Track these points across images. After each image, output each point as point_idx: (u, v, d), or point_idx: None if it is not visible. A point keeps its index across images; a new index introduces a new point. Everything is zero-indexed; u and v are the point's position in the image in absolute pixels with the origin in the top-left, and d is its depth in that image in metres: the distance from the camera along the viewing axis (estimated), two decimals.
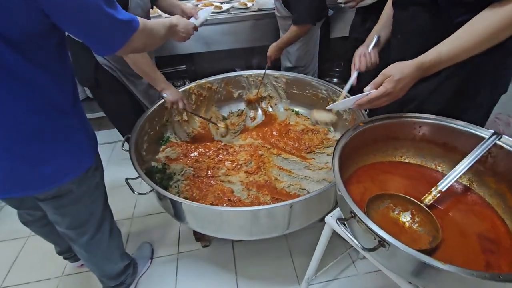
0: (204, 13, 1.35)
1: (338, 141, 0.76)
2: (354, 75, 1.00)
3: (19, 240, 1.62)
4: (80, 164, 0.82)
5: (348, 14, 2.16)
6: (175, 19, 0.98)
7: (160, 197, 1.05)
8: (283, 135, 1.61)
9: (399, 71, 0.70)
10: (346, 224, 0.69)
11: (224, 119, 1.77)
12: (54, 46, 0.66)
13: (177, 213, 1.08)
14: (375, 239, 0.57)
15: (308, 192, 1.29)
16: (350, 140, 0.78)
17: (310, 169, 1.42)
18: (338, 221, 0.62)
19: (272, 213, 0.96)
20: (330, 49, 2.30)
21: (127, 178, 1.10)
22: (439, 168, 0.84)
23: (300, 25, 1.59)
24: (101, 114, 2.39)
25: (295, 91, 1.72)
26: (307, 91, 1.68)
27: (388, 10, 1.02)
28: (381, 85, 0.71)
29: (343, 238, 0.72)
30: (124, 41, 0.67)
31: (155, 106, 1.46)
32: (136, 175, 1.07)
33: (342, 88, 1.20)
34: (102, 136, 2.49)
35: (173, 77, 2.13)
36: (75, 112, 0.77)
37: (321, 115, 1.10)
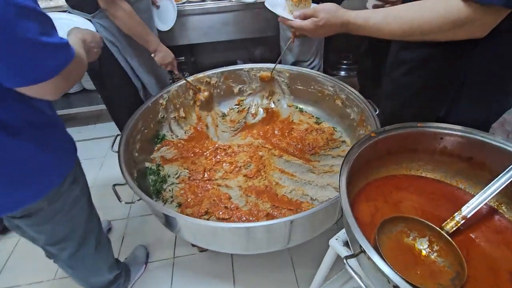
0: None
1: (346, 156, 0.66)
2: None
3: (10, 241, 1.57)
4: (46, 185, 0.73)
5: (356, 3, 2.01)
6: (78, 33, 0.79)
7: (150, 207, 0.97)
8: (286, 134, 1.50)
9: (326, 19, 0.73)
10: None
11: (224, 115, 1.67)
12: None
13: (169, 224, 1.00)
14: (389, 282, 0.48)
15: (312, 199, 1.20)
16: (360, 153, 0.67)
17: (314, 173, 1.32)
18: (345, 260, 0.52)
19: (270, 229, 0.87)
20: (336, 41, 2.16)
21: (114, 185, 1.02)
22: (461, 186, 0.74)
23: None
24: (99, 107, 2.31)
25: (299, 87, 1.61)
26: (312, 87, 1.56)
27: None
28: (307, 18, 0.75)
29: None
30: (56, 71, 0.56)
31: (149, 103, 1.37)
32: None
33: (354, 83, 1.25)
34: (101, 129, 2.41)
35: None
36: (31, 130, 0.66)
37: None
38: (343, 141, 1.42)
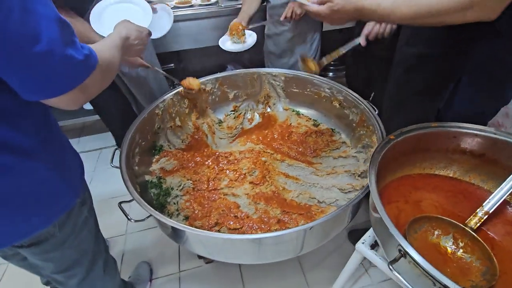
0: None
1: (371, 161, 0.66)
2: (361, 37, 1.16)
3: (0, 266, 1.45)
4: (59, 208, 0.68)
5: None
6: (124, 29, 0.77)
7: (161, 223, 0.93)
8: (286, 138, 1.50)
9: (341, 4, 0.74)
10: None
11: (221, 122, 1.65)
12: None
13: (177, 237, 0.96)
14: (435, 285, 0.48)
15: (319, 201, 1.21)
16: (382, 156, 0.68)
17: (317, 175, 1.33)
18: (391, 266, 0.52)
19: (290, 237, 0.86)
20: (324, 42, 2.20)
21: (120, 203, 0.97)
22: (474, 181, 0.77)
23: None
24: (83, 119, 2.20)
25: (295, 90, 1.61)
26: (308, 90, 1.57)
27: None
28: (323, 4, 0.76)
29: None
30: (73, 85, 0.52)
31: (145, 114, 1.32)
32: (126, 192, 0.95)
33: (343, 84, 1.39)
34: (85, 143, 2.30)
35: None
36: (43, 150, 0.61)
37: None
38: (343, 142, 1.44)
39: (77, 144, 2.28)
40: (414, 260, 0.48)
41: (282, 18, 1.54)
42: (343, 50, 1.11)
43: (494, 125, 1.43)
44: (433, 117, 0.93)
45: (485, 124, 0.89)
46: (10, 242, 0.64)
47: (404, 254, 0.52)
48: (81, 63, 0.51)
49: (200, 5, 1.90)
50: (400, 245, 0.51)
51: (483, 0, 0.58)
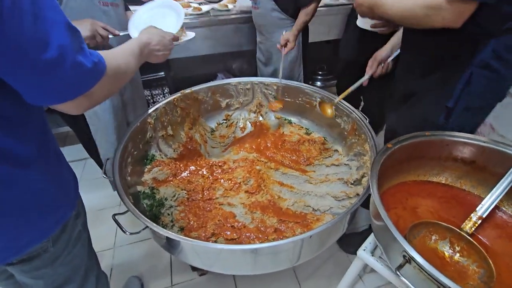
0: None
1: (371, 170, 0.68)
2: (366, 77, 1.21)
3: None
4: (54, 222, 0.64)
5: (327, 18, 2.14)
6: (145, 35, 0.79)
7: (157, 235, 0.90)
8: (279, 146, 1.52)
9: None
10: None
11: (213, 131, 1.64)
12: None
13: (172, 248, 0.94)
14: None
15: (314, 209, 1.22)
16: (381, 164, 0.70)
17: (311, 183, 1.34)
18: (398, 271, 0.53)
19: (285, 247, 0.86)
20: (312, 53, 2.26)
21: (114, 215, 0.94)
22: (465, 187, 0.80)
23: (306, 6, 1.58)
24: (67, 128, 2.13)
25: (287, 99, 1.64)
26: (299, 99, 1.60)
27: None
28: None
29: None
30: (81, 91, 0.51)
31: (137, 123, 1.29)
32: (117, 202, 0.92)
33: (335, 94, 1.49)
34: (69, 152, 2.21)
35: (152, 85, 1.94)
36: (41, 159, 0.58)
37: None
38: (335, 150, 1.47)
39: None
40: (420, 265, 0.50)
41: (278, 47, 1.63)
42: (352, 88, 1.26)
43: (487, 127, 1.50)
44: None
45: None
46: (4, 259, 0.60)
47: (409, 259, 0.53)
48: (89, 71, 0.50)
49: (191, 14, 1.91)
50: (405, 250, 0.53)
51: (444, 6, 0.65)
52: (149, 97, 2.01)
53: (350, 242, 1.45)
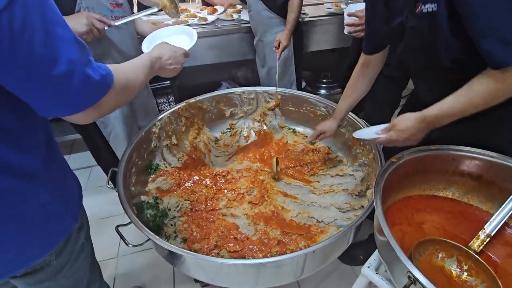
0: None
1: (375, 185, 0.67)
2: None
3: None
4: (57, 235, 0.65)
5: (330, 27, 2.14)
6: (157, 50, 0.81)
7: (160, 248, 0.90)
8: (283, 156, 1.51)
9: (402, 122, 0.76)
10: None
11: (217, 140, 1.64)
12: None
13: (174, 260, 0.93)
14: None
15: (318, 221, 1.20)
16: (385, 179, 0.69)
17: (315, 194, 1.33)
18: None
19: (289, 261, 0.85)
20: (316, 61, 2.27)
21: (117, 226, 0.94)
22: (472, 202, 0.78)
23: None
24: (73, 136, 2.16)
25: (291, 108, 1.64)
26: (304, 108, 1.60)
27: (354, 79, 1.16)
28: (390, 131, 0.79)
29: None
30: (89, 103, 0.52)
31: (142, 132, 1.30)
32: (122, 210, 0.92)
33: (337, 102, 1.35)
34: (76, 160, 2.25)
35: (157, 94, 1.97)
36: (45, 171, 0.59)
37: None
38: (340, 160, 1.46)
39: (67, 161, 2.22)
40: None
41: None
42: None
43: None
44: None
45: None
46: (8, 273, 0.60)
47: (414, 281, 0.52)
48: (97, 83, 0.51)
49: (197, 24, 1.93)
50: (410, 271, 0.52)
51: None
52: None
53: (352, 253, 1.42)
